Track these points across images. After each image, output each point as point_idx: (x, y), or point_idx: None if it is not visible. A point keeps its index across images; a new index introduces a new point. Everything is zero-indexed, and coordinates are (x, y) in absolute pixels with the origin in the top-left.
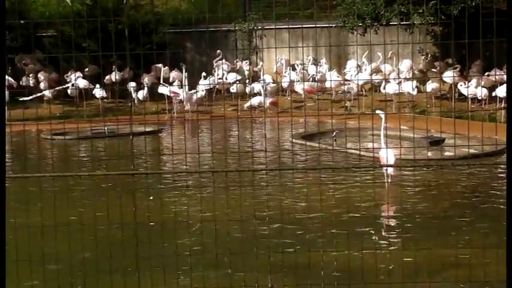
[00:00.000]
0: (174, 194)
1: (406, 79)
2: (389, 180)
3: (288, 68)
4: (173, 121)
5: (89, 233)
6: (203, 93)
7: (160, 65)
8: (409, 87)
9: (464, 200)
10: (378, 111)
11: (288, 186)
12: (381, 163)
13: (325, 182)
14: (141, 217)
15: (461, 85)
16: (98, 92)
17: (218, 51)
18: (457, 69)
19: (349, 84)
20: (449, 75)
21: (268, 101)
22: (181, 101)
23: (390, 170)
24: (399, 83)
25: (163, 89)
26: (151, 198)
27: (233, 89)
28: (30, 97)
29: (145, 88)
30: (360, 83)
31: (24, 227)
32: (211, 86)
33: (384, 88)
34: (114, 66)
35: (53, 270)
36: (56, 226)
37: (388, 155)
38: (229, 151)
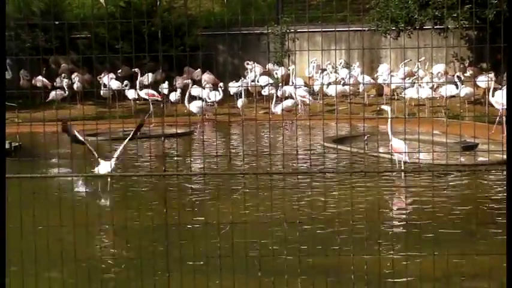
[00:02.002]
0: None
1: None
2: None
3: (320, 71)
4: (205, 123)
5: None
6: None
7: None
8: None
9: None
10: (383, 107)
11: (318, 189)
12: (395, 152)
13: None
14: (181, 218)
15: (494, 89)
16: (131, 93)
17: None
18: (491, 75)
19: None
20: (483, 80)
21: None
22: (158, 103)
23: (405, 158)
24: (432, 88)
25: (196, 91)
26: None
27: (265, 91)
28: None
29: (178, 90)
30: (393, 86)
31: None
32: (242, 88)
33: (417, 92)
34: (146, 68)
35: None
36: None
37: (399, 144)
38: (261, 154)
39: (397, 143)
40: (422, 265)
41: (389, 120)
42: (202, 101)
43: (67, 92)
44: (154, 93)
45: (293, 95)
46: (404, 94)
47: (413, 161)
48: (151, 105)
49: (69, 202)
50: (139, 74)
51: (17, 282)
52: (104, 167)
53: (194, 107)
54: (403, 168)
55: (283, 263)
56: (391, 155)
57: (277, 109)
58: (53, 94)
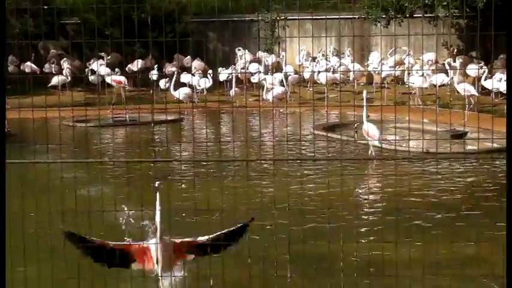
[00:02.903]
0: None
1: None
2: (372, 151)
3: (310, 59)
4: (194, 110)
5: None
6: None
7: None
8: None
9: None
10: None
11: (309, 176)
12: (366, 135)
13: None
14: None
15: (485, 79)
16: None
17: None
18: (481, 64)
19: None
20: (473, 69)
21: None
22: (124, 88)
23: (375, 142)
24: (422, 76)
25: (185, 78)
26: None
27: (254, 79)
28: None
29: (170, 77)
30: (383, 75)
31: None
32: (231, 76)
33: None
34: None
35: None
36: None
37: (369, 127)
38: (251, 141)
39: (370, 127)
40: (410, 253)
41: (364, 105)
42: (192, 88)
43: (69, 78)
44: (121, 79)
45: (284, 82)
46: (412, 83)
47: (403, 149)
48: (115, 92)
49: (58, 188)
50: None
51: None
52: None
53: (180, 93)
54: (372, 153)
55: (273, 250)
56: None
57: (268, 96)
58: (55, 79)
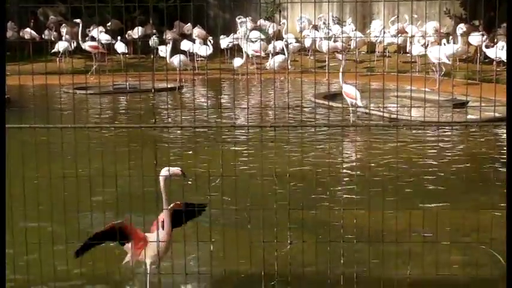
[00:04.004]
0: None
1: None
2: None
3: (311, 26)
4: (195, 78)
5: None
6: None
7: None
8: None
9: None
10: (337, 55)
11: (309, 143)
12: (348, 97)
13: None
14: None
15: (486, 47)
16: (120, 47)
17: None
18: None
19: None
20: (475, 37)
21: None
22: (102, 55)
23: (357, 103)
24: (424, 45)
25: (186, 45)
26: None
27: (255, 47)
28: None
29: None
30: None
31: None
32: (232, 44)
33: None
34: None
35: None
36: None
37: (350, 89)
38: (251, 107)
39: (348, 88)
40: (410, 218)
41: (341, 68)
42: (193, 55)
43: (73, 45)
44: (98, 45)
45: (284, 50)
46: (430, 51)
47: (405, 118)
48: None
49: (58, 152)
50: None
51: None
52: None
53: (175, 61)
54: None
55: (272, 215)
56: (365, 109)
57: (268, 64)
58: (59, 45)
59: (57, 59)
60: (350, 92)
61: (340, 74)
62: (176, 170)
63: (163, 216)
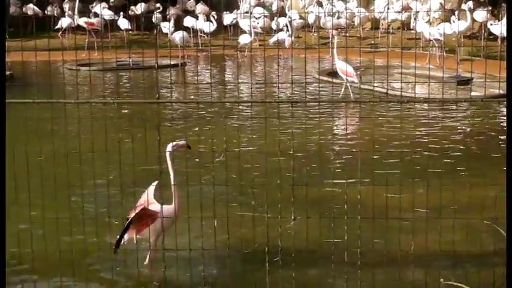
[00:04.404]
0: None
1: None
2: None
3: (314, 2)
4: (198, 54)
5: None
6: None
7: None
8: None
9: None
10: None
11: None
12: (342, 73)
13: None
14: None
15: (491, 24)
16: (123, 23)
17: None
18: (489, 9)
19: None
20: (480, 13)
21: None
22: (97, 32)
23: (350, 80)
24: (429, 21)
25: (189, 22)
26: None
27: (259, 23)
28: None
29: (172, 20)
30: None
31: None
32: (235, 21)
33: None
34: None
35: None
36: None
37: (342, 64)
38: (256, 82)
39: (340, 64)
40: (415, 197)
41: (335, 43)
42: (197, 32)
43: (77, 21)
44: (94, 22)
45: (288, 27)
46: (438, 29)
47: (409, 95)
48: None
49: (61, 129)
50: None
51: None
52: None
53: (176, 37)
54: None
55: (276, 191)
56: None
57: (272, 41)
58: (63, 21)
59: (60, 35)
60: (343, 68)
61: (334, 50)
62: (181, 142)
63: (174, 190)
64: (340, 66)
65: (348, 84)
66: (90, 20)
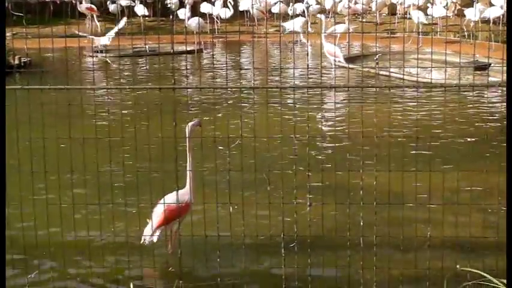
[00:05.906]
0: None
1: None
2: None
3: None
4: (214, 41)
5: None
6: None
7: None
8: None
9: None
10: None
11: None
12: (329, 55)
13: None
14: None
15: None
16: (140, 9)
17: None
18: None
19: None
20: None
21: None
22: (93, 16)
23: (339, 60)
24: (446, 6)
25: (205, 8)
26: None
27: (275, 9)
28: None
29: (187, 7)
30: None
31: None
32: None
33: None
34: None
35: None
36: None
37: (330, 47)
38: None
39: (329, 46)
40: (430, 181)
41: (323, 27)
42: (213, 18)
43: (79, 8)
44: (94, 7)
45: (305, 12)
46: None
47: (425, 80)
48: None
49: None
50: None
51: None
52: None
53: (192, 23)
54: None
55: (292, 178)
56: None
57: (288, 26)
58: (81, 7)
59: (84, 20)
60: (331, 49)
61: (322, 35)
62: (195, 121)
63: (189, 175)
64: (328, 48)
65: (334, 67)
66: (90, 6)
